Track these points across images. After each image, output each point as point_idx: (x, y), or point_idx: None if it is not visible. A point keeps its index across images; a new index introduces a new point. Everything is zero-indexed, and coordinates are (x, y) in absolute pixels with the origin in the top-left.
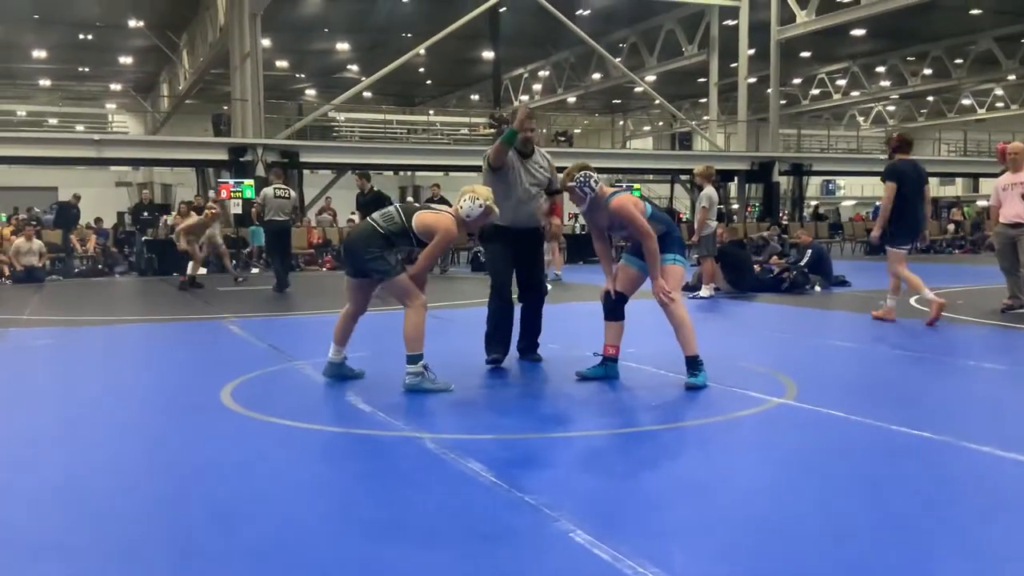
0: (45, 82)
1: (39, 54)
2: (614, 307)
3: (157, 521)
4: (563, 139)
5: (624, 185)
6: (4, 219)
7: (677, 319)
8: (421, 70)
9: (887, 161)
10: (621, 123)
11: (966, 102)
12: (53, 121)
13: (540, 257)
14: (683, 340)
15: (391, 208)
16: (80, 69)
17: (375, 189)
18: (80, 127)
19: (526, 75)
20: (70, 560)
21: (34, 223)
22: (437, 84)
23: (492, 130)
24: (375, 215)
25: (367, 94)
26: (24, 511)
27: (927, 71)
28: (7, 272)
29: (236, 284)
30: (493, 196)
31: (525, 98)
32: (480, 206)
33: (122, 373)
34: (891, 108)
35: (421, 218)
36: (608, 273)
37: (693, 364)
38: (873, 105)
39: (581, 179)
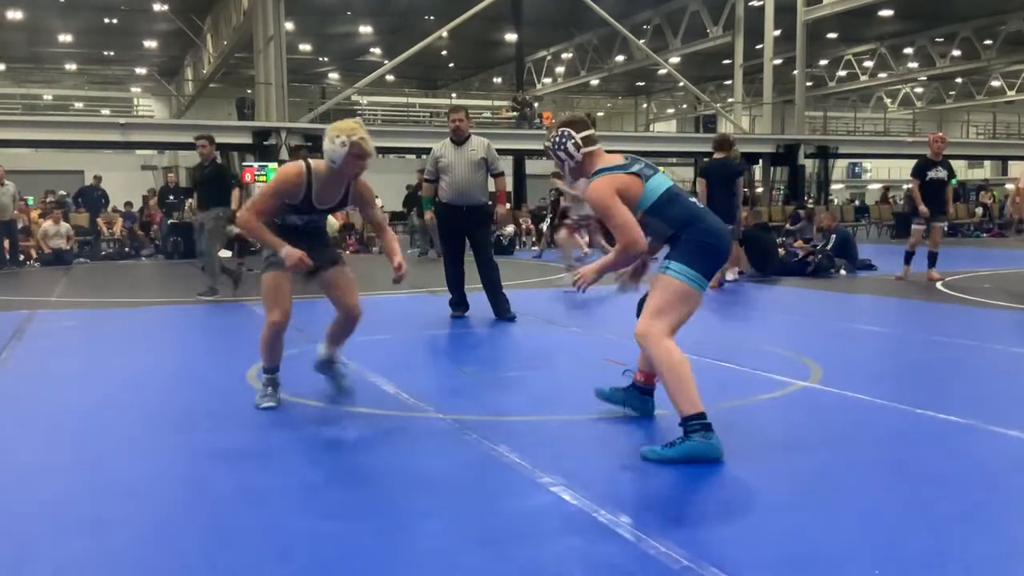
0: (71, 66)
1: (65, 38)
2: None
3: (186, 499)
4: None
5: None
6: (31, 202)
7: (655, 361)
8: (444, 53)
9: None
10: (645, 106)
11: (995, 84)
12: (79, 105)
13: (487, 232)
14: (668, 394)
15: None
16: (105, 53)
17: (218, 161)
18: (106, 111)
19: (549, 57)
20: (101, 535)
21: (64, 206)
22: (460, 67)
23: (515, 113)
24: None
25: (390, 77)
26: (55, 488)
27: (956, 52)
28: (35, 255)
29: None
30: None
31: (548, 80)
32: (343, 144)
33: (149, 354)
34: (919, 90)
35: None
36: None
37: (684, 425)
38: (901, 87)
39: (556, 139)
